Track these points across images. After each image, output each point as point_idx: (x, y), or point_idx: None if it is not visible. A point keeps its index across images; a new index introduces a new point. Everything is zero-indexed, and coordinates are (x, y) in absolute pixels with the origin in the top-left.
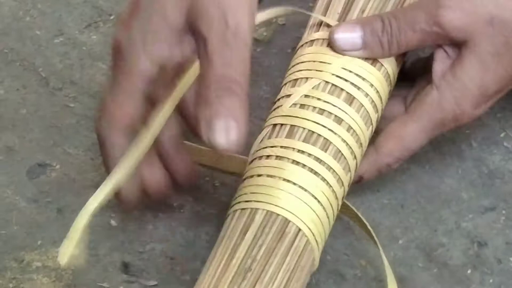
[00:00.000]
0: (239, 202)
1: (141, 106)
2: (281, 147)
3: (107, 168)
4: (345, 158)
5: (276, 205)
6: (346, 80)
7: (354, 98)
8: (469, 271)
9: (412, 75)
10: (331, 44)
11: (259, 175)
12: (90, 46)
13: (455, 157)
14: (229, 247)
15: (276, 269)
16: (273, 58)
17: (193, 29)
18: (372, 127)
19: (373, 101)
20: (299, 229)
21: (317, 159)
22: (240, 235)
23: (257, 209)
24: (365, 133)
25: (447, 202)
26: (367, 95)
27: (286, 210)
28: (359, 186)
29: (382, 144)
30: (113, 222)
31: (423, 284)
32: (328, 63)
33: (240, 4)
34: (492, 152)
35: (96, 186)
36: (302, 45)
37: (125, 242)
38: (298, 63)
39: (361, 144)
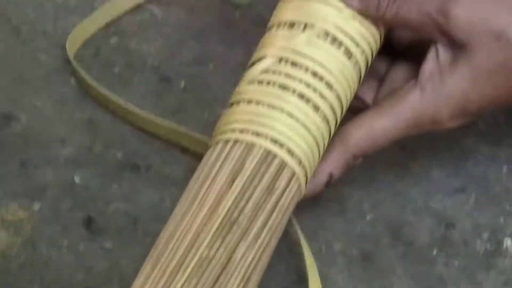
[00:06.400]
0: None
1: None
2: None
3: None
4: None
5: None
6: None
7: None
8: (434, 252)
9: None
10: None
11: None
12: None
13: (428, 135)
14: (214, 192)
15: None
16: (251, 23)
17: None
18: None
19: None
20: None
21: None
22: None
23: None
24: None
25: (417, 180)
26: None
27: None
28: None
29: (349, 132)
30: (76, 179)
31: (388, 263)
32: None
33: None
34: (466, 133)
35: (61, 141)
36: None
37: (87, 200)
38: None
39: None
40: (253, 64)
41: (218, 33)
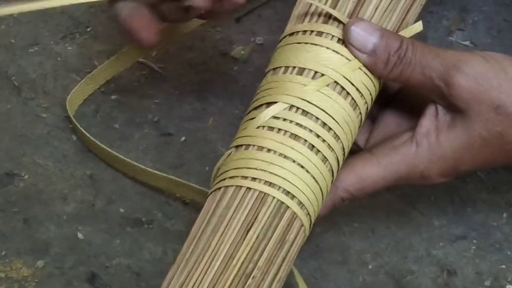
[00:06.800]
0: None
1: None
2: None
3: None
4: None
5: None
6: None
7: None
8: None
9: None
10: (344, 32)
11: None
12: (65, 57)
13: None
14: (228, 242)
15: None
16: (250, 77)
17: None
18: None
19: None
20: (302, 225)
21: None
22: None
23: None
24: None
25: (418, 229)
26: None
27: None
28: None
29: (340, 177)
30: (80, 235)
31: None
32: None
33: None
34: (465, 181)
35: (64, 197)
36: (295, 34)
37: (91, 255)
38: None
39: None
40: (259, 106)
41: (217, 88)
